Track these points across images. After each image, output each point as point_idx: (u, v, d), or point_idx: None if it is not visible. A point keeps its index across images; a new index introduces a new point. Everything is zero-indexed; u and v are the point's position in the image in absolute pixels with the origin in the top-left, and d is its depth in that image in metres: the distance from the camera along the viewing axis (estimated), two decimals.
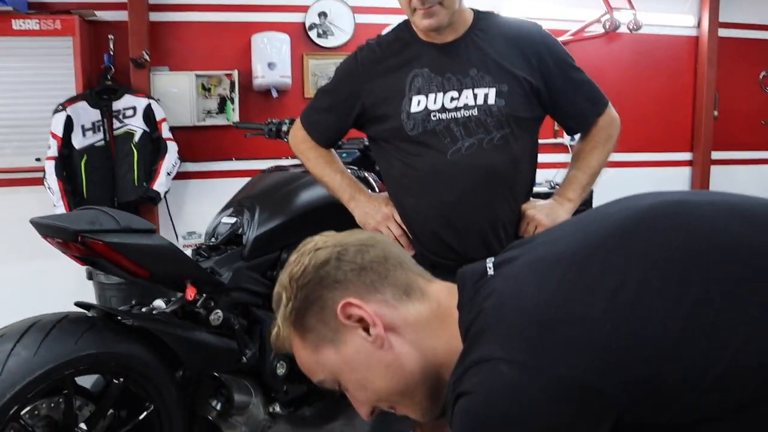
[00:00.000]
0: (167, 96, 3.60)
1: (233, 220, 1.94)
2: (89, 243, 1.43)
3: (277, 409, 1.86)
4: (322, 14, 3.89)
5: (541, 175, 1.51)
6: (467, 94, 1.49)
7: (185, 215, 3.75)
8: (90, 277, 3.02)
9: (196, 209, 3.69)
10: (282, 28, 3.77)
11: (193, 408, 1.74)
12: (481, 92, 1.49)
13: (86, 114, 3.31)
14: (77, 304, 1.59)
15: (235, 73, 3.71)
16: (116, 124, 3.38)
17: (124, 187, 3.37)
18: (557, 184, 1.87)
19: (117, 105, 3.38)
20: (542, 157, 1.71)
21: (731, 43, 4.67)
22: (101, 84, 3.40)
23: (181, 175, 3.62)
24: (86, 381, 1.56)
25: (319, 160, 1.70)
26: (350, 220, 1.63)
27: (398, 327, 0.82)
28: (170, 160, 3.42)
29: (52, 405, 1.46)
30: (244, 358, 1.74)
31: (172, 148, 3.44)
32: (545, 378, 0.66)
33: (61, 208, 3.16)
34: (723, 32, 4.62)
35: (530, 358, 0.68)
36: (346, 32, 3.95)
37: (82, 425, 1.49)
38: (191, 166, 3.74)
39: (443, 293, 0.87)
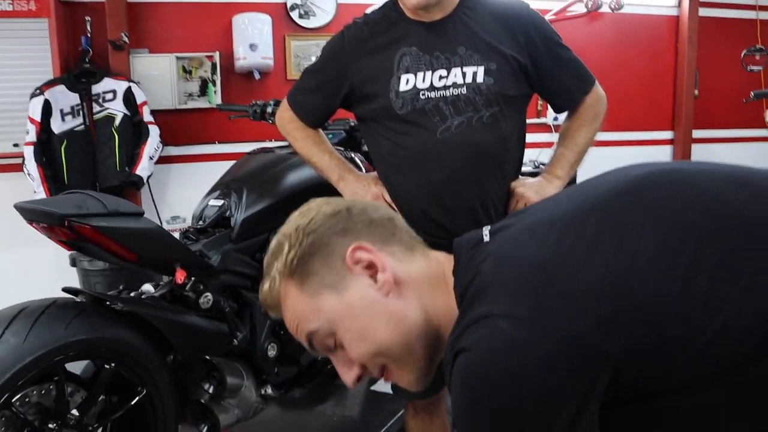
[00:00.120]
0: (147, 79, 3.55)
1: (220, 202, 1.92)
2: (76, 227, 1.41)
3: (269, 391, 1.87)
4: None
5: (525, 155, 1.52)
6: (456, 72, 1.49)
7: (168, 200, 3.71)
8: (74, 263, 2.99)
9: (180, 193, 3.66)
10: (263, 9, 3.72)
11: (185, 392, 1.74)
12: (469, 70, 1.49)
13: (65, 98, 3.24)
14: (65, 289, 1.57)
15: (217, 55, 3.67)
16: (96, 108, 3.32)
17: (105, 172, 3.32)
18: (542, 164, 1.88)
19: (96, 88, 3.32)
20: (526, 137, 1.72)
21: (712, 23, 4.71)
22: (79, 67, 3.34)
23: (163, 159, 3.57)
24: (77, 367, 1.55)
25: (306, 141, 1.69)
26: None
27: (403, 280, 0.83)
28: (152, 144, 3.37)
29: (43, 392, 1.44)
30: (235, 340, 1.74)
31: (154, 131, 3.40)
32: (545, 333, 0.66)
33: (41, 195, 3.10)
34: (703, 11, 4.65)
35: (530, 314, 0.68)
36: (328, 12, 3.92)
37: (74, 411, 1.47)
38: (174, 150, 3.70)
39: (442, 257, 0.88)
